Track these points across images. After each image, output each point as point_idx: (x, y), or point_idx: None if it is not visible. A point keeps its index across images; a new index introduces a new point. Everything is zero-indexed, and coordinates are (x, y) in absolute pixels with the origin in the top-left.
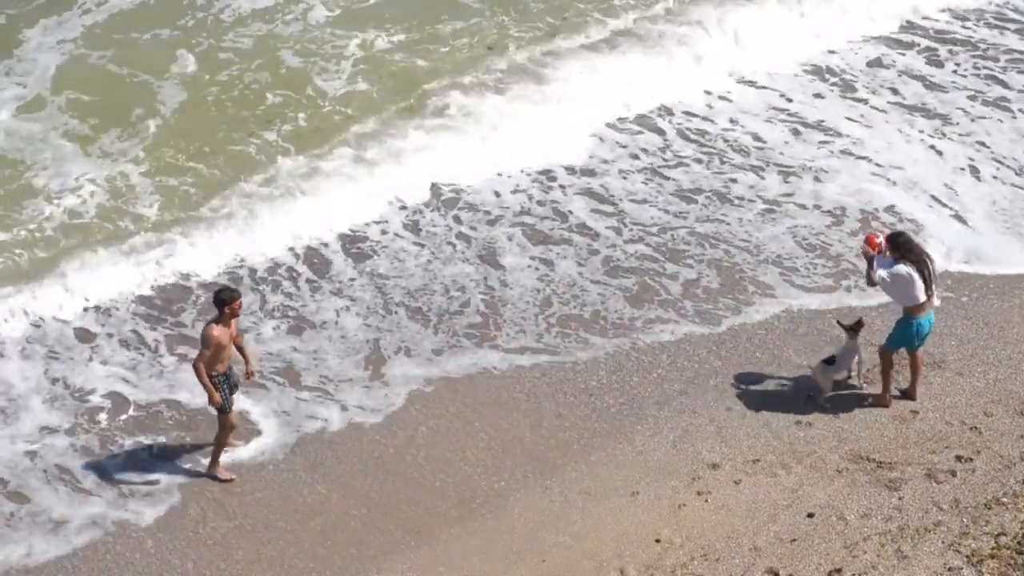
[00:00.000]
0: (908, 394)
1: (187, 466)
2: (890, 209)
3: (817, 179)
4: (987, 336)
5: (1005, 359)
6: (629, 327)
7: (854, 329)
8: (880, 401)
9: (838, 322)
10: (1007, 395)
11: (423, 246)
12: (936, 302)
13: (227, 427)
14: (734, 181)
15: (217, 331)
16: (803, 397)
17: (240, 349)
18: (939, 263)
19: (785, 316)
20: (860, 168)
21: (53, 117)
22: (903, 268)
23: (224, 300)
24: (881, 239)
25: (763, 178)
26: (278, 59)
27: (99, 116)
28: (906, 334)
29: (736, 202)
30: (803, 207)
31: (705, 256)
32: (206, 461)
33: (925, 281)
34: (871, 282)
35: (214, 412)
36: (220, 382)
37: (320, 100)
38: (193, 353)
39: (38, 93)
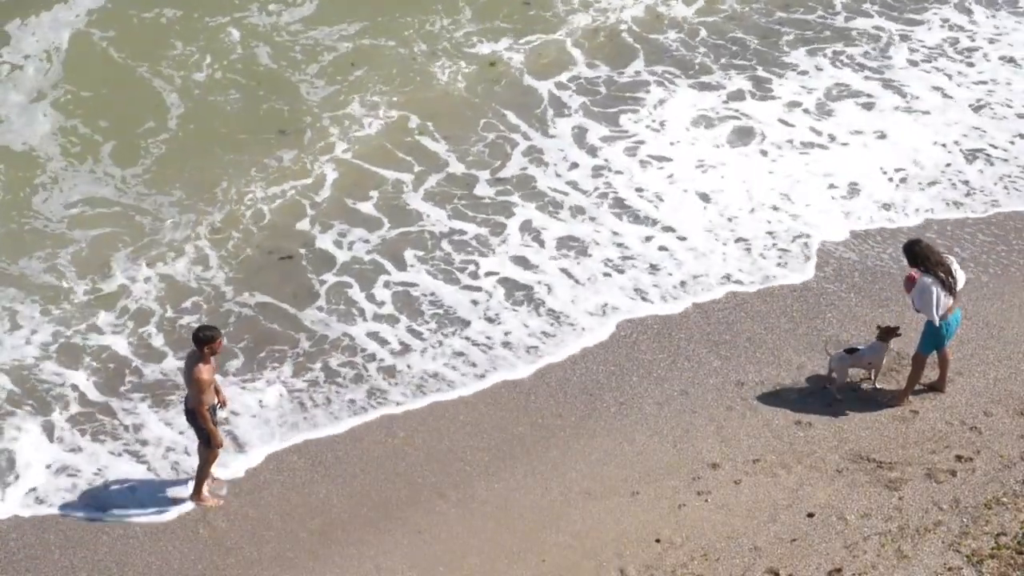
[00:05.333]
0: (937, 387)
1: (187, 466)
2: None
3: None
4: (987, 336)
5: (1005, 359)
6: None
7: (887, 334)
8: (896, 402)
9: (879, 327)
10: (1007, 395)
11: None
12: (960, 275)
13: (211, 460)
14: None
15: (207, 373)
16: (803, 397)
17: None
18: None
19: (785, 316)
20: None
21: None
22: (926, 283)
23: (203, 340)
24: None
25: None
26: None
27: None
28: (936, 336)
29: None
30: None
31: None
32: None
33: (946, 285)
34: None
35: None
36: (209, 414)
37: None
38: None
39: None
